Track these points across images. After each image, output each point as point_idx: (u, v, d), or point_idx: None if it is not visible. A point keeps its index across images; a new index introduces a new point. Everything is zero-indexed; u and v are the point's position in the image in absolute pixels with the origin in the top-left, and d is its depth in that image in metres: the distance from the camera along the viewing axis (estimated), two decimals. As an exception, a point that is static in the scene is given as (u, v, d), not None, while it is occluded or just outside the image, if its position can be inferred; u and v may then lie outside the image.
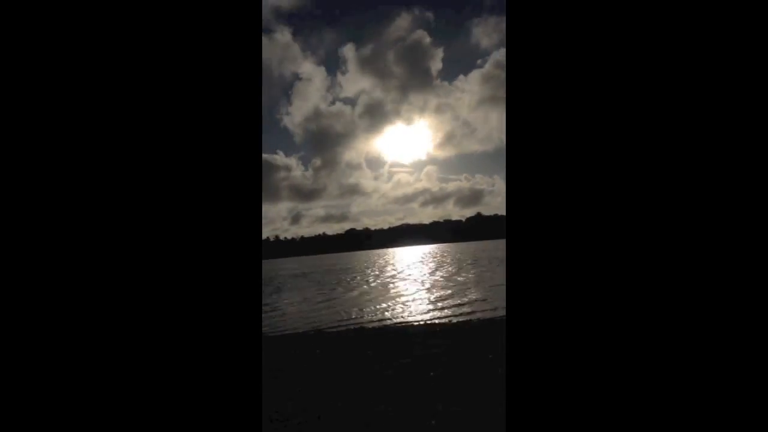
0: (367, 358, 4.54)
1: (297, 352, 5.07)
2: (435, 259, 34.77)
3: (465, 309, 8.20)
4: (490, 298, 9.47)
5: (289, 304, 11.77)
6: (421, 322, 6.87)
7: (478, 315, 7.20)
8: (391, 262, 38.73)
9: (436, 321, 6.87)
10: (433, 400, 3.04)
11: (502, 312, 7.30)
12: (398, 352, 4.65)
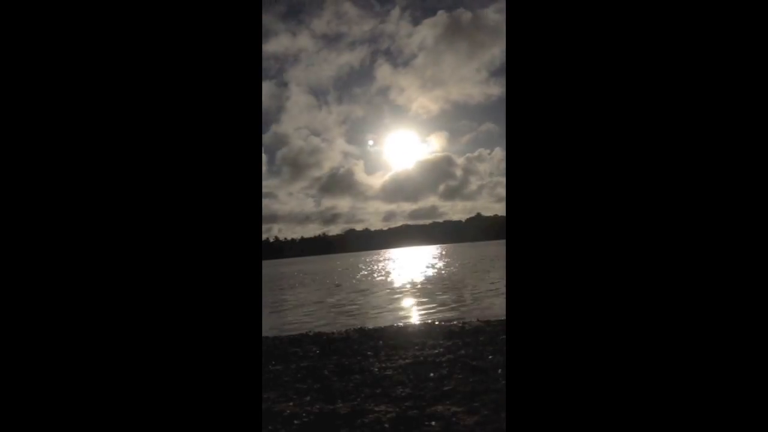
0: (367, 358, 4.54)
1: (296, 352, 5.07)
2: (435, 260, 34.77)
3: (464, 310, 8.20)
4: (489, 299, 9.47)
5: (288, 304, 11.76)
6: (421, 323, 6.87)
7: (478, 315, 7.20)
8: (390, 263, 38.72)
9: (436, 322, 6.86)
10: (433, 401, 3.04)
11: (501, 313, 7.29)
12: (398, 353, 4.65)
